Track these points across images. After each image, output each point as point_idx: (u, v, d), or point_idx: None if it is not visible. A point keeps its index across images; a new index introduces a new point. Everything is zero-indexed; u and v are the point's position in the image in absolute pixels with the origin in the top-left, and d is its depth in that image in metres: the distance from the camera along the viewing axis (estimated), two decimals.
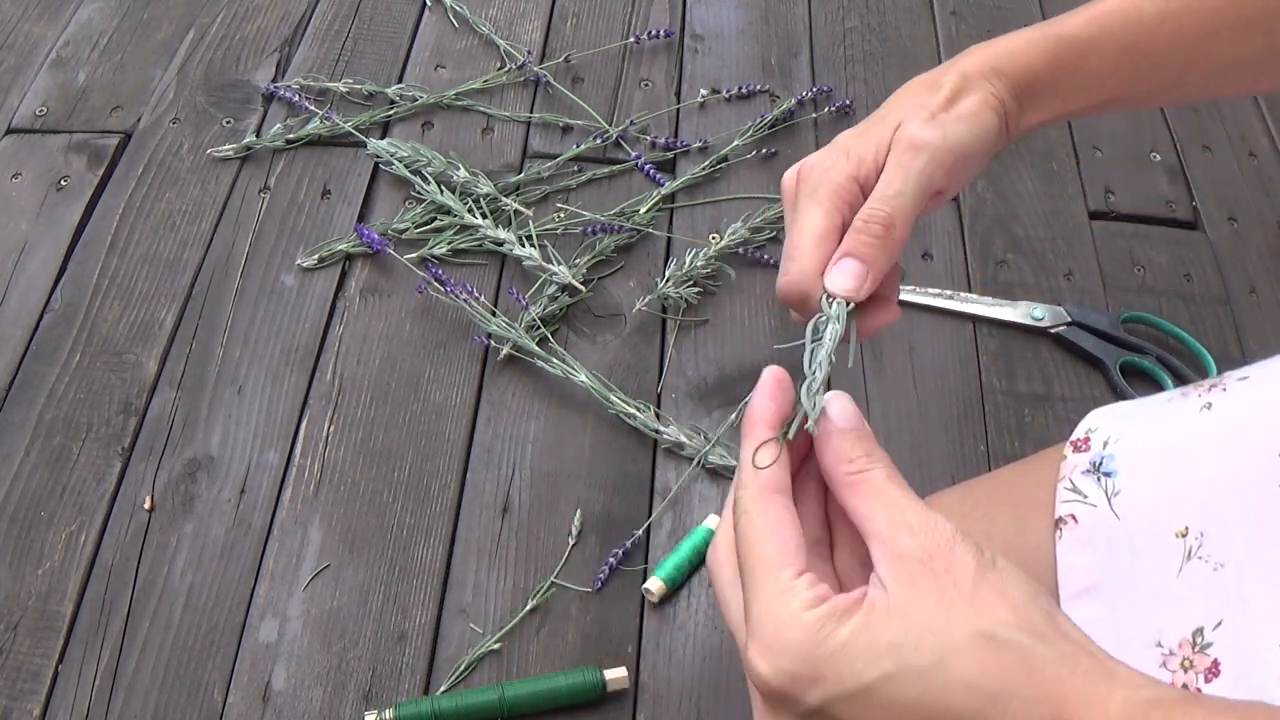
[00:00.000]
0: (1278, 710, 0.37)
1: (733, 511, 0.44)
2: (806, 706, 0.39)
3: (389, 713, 0.73)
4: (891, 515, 0.41)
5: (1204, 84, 0.63)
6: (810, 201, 0.52)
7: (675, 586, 0.81)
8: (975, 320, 0.99)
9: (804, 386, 0.46)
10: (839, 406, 0.45)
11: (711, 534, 0.82)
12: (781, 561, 0.41)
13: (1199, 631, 0.52)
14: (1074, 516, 0.60)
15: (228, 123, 1.08)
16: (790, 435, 0.44)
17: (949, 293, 1.00)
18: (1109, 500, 0.59)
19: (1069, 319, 0.98)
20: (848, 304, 0.50)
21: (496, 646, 0.78)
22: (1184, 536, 0.55)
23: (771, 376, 0.47)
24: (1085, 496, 0.60)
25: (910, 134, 0.52)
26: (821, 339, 0.49)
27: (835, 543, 0.46)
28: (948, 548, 0.39)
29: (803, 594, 0.40)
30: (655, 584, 0.80)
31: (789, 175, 0.55)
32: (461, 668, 0.77)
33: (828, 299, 0.50)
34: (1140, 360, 0.95)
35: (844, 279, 0.50)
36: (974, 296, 1.00)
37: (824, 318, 0.50)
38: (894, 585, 0.39)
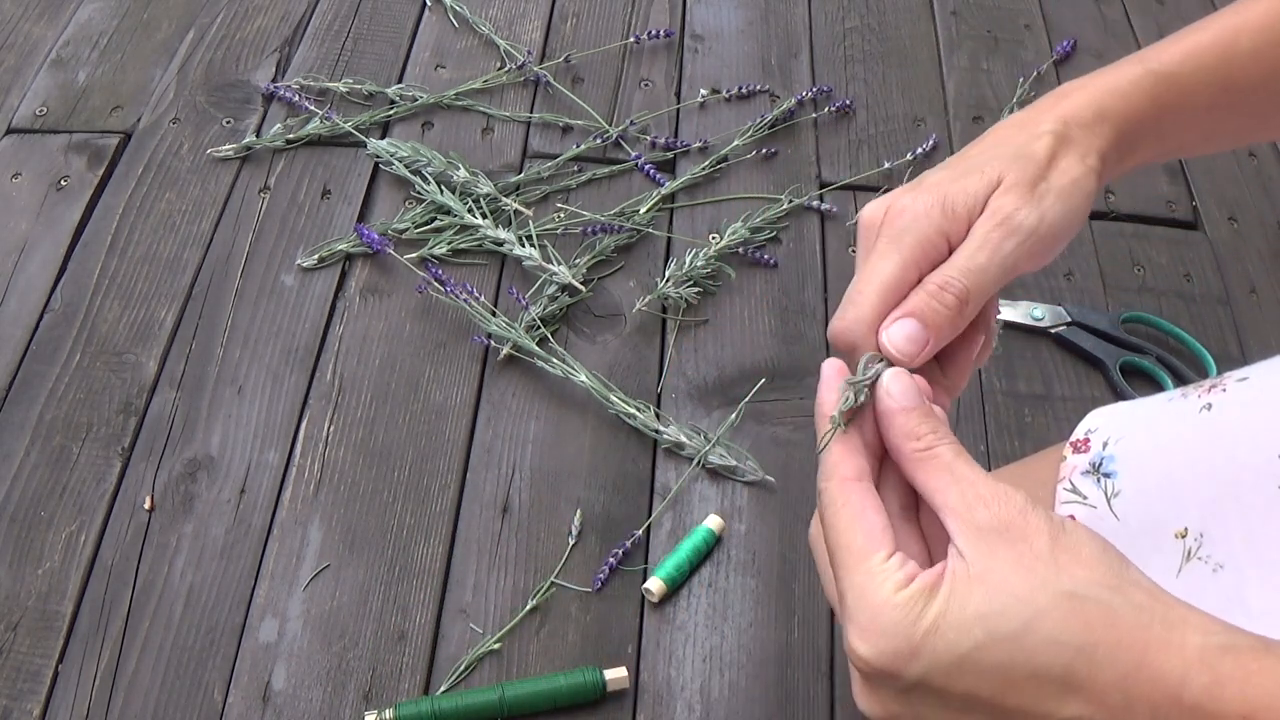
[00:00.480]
0: None
1: (819, 507, 0.45)
2: (906, 682, 0.41)
3: (389, 713, 0.73)
4: (963, 490, 0.42)
5: None
6: (891, 247, 0.49)
7: (675, 586, 0.81)
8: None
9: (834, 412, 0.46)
10: (900, 385, 0.45)
11: (711, 534, 0.82)
12: (869, 547, 0.43)
13: None
14: (1073, 518, 0.60)
15: (228, 123, 1.08)
16: (844, 426, 0.45)
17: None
18: (1108, 501, 0.59)
19: (1069, 319, 0.98)
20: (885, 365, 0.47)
21: (496, 646, 0.78)
22: (1183, 537, 0.55)
23: (832, 369, 0.48)
24: (1085, 498, 0.60)
25: (1007, 211, 0.48)
26: (860, 383, 0.47)
27: (920, 505, 0.47)
28: (1021, 516, 0.41)
29: (893, 576, 0.42)
30: (655, 584, 0.80)
31: (874, 211, 0.51)
32: (461, 668, 0.77)
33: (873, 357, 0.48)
34: (1140, 360, 0.95)
35: (902, 340, 0.47)
36: None
37: (872, 361, 0.47)
38: (974, 556, 0.41)
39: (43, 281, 0.95)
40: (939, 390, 0.50)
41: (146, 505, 0.83)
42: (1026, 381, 0.95)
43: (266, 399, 0.89)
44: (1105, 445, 0.62)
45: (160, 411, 0.88)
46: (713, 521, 0.83)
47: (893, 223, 0.49)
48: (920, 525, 0.47)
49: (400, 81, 1.12)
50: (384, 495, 0.85)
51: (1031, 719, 0.40)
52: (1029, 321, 0.98)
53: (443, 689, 0.76)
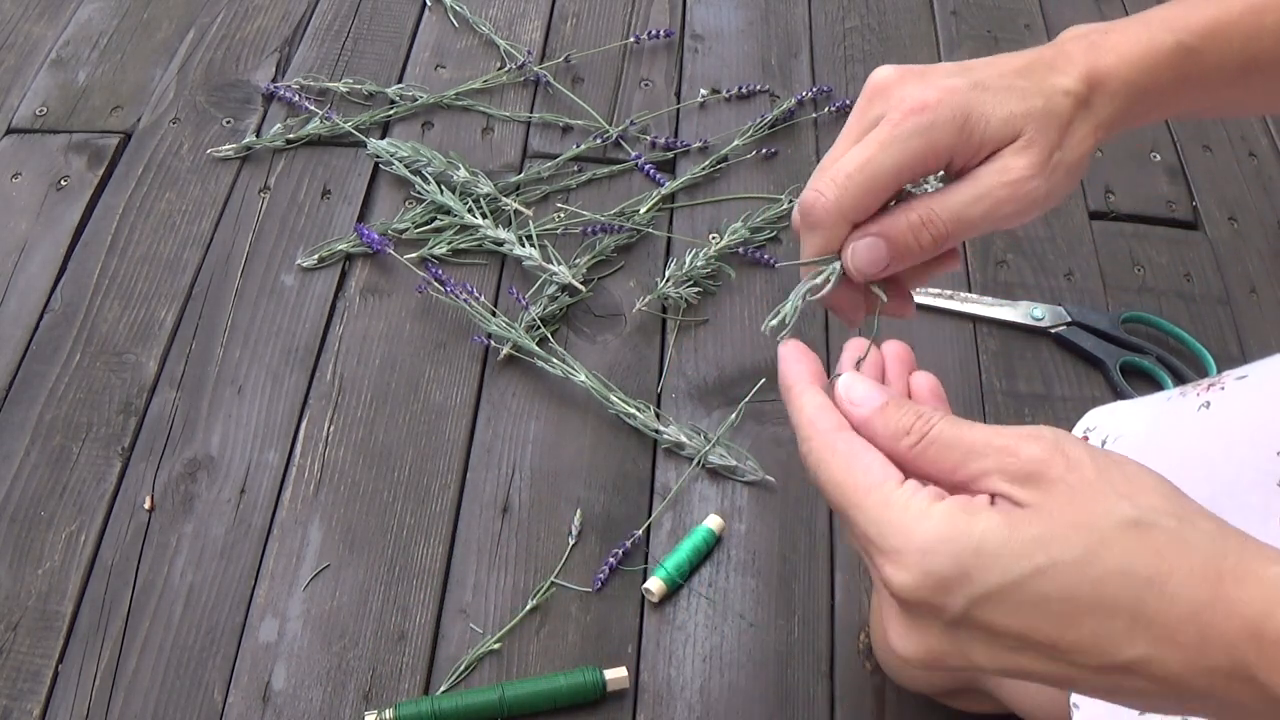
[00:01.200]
0: None
1: (810, 472, 0.42)
2: (953, 614, 0.36)
3: (389, 713, 0.73)
4: (983, 456, 0.38)
5: None
6: (896, 144, 0.46)
7: (675, 587, 0.81)
8: (975, 320, 0.99)
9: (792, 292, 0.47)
10: (860, 390, 0.43)
11: (711, 534, 0.82)
12: (879, 476, 0.39)
13: None
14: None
15: (228, 122, 1.08)
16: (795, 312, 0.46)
17: (949, 293, 1.00)
18: None
19: (1069, 319, 0.98)
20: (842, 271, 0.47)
21: (496, 646, 0.78)
22: None
23: (789, 347, 0.47)
24: None
25: (1021, 174, 0.46)
26: (815, 282, 0.47)
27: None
28: (1060, 452, 0.37)
29: (915, 495, 0.38)
30: (655, 584, 0.80)
31: (884, 81, 0.48)
32: (461, 668, 0.77)
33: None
34: (1140, 360, 0.95)
35: (865, 261, 0.46)
36: (974, 296, 1.00)
37: (829, 265, 0.47)
38: (1024, 497, 0.37)
39: (43, 281, 0.95)
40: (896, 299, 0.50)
41: (146, 505, 0.83)
42: (1027, 381, 0.95)
43: (266, 399, 0.89)
44: (1104, 444, 0.62)
45: (160, 411, 0.88)
46: (713, 521, 0.83)
47: (907, 116, 0.46)
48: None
49: (400, 81, 1.12)
50: (384, 495, 0.85)
51: (1090, 661, 0.35)
52: (1029, 321, 0.98)
53: (443, 689, 0.76)
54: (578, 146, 1.07)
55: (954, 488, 0.39)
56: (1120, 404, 0.67)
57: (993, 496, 0.38)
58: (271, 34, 1.16)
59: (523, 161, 1.07)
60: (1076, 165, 0.49)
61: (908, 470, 0.40)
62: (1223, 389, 0.60)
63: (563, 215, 1.02)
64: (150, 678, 0.75)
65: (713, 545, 0.83)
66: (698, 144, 1.09)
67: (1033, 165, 0.46)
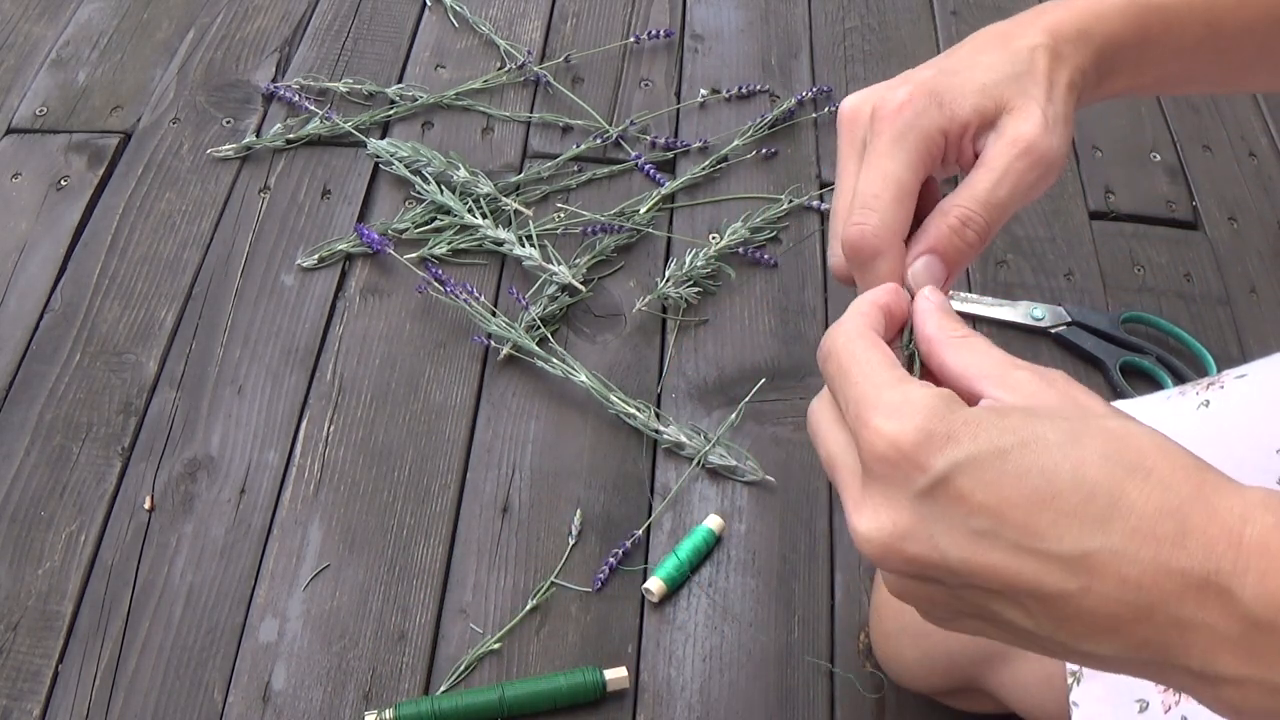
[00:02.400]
0: None
1: (824, 363, 0.41)
2: (930, 475, 0.35)
3: (389, 713, 0.73)
4: (1002, 359, 0.39)
5: (1275, 74, 0.57)
6: (896, 147, 0.46)
7: (675, 586, 0.81)
8: (975, 320, 0.99)
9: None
10: (939, 299, 0.43)
11: (711, 534, 0.82)
12: (889, 362, 0.39)
13: None
14: None
15: (228, 122, 1.08)
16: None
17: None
18: None
19: (1069, 319, 0.98)
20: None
21: (496, 646, 0.78)
22: None
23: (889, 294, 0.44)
24: None
25: (1031, 139, 0.45)
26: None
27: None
28: (1063, 380, 0.38)
29: (914, 380, 0.38)
30: (655, 584, 0.80)
31: (857, 105, 0.48)
32: (461, 668, 0.77)
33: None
34: (1140, 360, 0.95)
35: (926, 277, 0.45)
36: (974, 296, 1.00)
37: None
38: (1015, 398, 0.37)
39: (43, 281, 0.95)
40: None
41: (146, 505, 0.83)
42: None
43: (266, 399, 0.89)
44: None
45: (160, 411, 0.88)
46: (713, 521, 0.83)
47: (892, 120, 0.46)
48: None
49: (400, 81, 1.12)
50: (384, 495, 0.85)
51: (1063, 548, 0.33)
52: (1029, 321, 0.98)
53: (443, 689, 0.76)
54: (578, 146, 1.07)
55: (965, 384, 0.39)
56: (1119, 404, 0.67)
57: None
58: (271, 34, 1.16)
59: (523, 161, 1.07)
60: (1068, 117, 0.48)
61: (942, 355, 0.41)
62: (1222, 388, 0.60)
63: (563, 215, 1.02)
64: (150, 678, 0.75)
65: (713, 545, 0.83)
66: (698, 144, 1.09)
67: (1035, 126, 0.46)
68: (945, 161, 0.48)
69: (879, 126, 0.46)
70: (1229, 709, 0.33)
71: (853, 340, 0.40)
